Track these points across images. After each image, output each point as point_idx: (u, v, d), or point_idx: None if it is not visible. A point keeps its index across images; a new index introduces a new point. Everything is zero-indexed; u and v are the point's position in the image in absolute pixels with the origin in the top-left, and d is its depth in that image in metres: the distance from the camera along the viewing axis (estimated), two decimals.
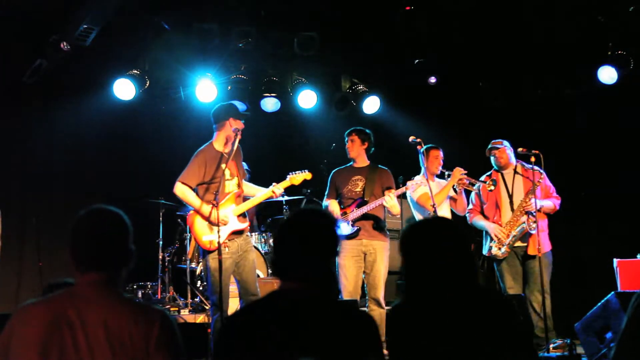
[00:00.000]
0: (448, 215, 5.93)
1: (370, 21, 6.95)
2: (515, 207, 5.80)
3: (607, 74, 6.96)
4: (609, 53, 6.94)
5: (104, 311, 2.13)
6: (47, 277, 6.95)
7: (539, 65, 7.26)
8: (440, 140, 6.27)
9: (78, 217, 2.27)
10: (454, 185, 5.92)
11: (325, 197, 5.79)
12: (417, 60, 7.45)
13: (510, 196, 5.87)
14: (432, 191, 5.54)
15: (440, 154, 6.04)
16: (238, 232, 4.96)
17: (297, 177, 5.19)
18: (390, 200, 5.42)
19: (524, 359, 2.27)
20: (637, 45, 6.86)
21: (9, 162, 7.00)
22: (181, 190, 4.93)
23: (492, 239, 5.79)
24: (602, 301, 4.63)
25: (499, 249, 5.71)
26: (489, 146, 5.99)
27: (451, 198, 6.01)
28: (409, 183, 5.63)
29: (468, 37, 7.06)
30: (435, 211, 5.50)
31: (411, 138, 5.60)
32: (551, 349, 5.18)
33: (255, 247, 5.87)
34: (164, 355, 2.13)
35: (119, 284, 2.25)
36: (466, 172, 5.86)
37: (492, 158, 5.98)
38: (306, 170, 5.25)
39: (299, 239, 2.21)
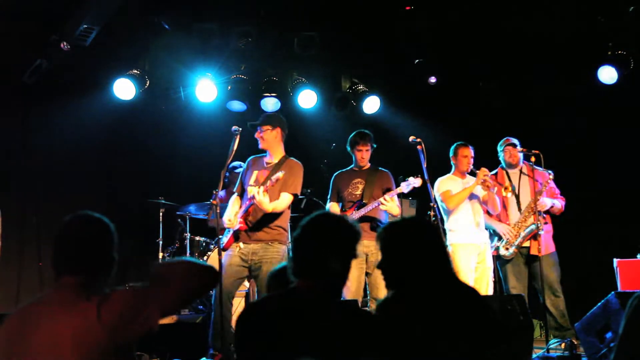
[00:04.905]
0: (469, 216, 5.81)
1: (370, 21, 6.95)
2: (522, 207, 5.77)
3: (607, 74, 6.95)
4: (609, 53, 6.94)
5: (60, 313, 2.09)
6: (47, 277, 6.97)
7: (539, 65, 7.25)
8: (440, 141, 6.27)
9: (62, 222, 2.25)
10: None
11: (328, 200, 5.85)
12: (417, 60, 7.45)
13: (517, 196, 5.85)
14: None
15: (470, 152, 5.90)
16: (238, 233, 5.13)
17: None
18: (387, 202, 5.43)
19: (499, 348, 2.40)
20: (637, 45, 6.86)
21: (9, 162, 6.99)
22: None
23: (499, 239, 5.75)
24: (602, 301, 4.63)
25: (507, 249, 5.68)
26: (505, 143, 5.86)
27: (483, 199, 5.88)
28: (403, 184, 5.58)
29: (468, 37, 7.06)
30: (437, 209, 5.48)
31: (411, 138, 5.56)
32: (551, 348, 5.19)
33: None
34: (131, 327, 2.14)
35: (95, 290, 2.19)
36: (489, 174, 5.73)
37: (504, 154, 5.88)
38: None
39: (312, 240, 2.37)
